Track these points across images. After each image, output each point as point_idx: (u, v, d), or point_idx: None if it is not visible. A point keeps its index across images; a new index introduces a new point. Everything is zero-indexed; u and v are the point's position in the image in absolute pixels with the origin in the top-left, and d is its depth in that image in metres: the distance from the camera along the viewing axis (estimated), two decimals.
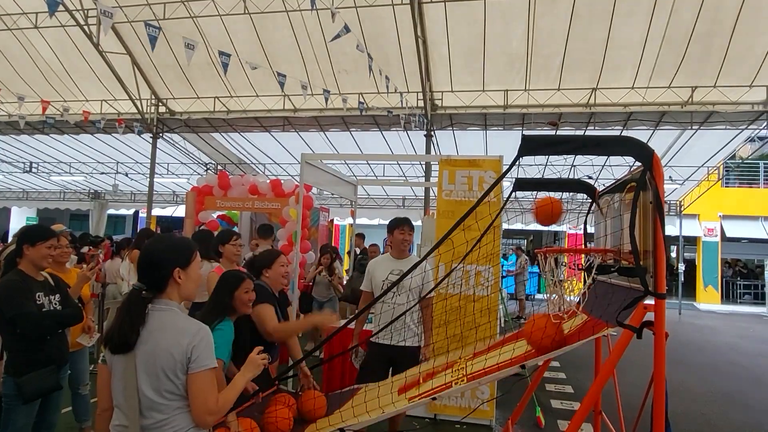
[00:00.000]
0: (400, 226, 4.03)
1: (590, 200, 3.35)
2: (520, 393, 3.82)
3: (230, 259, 4.27)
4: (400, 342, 3.86)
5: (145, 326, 1.86)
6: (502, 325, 7.97)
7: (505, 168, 5.13)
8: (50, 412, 3.29)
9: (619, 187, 2.91)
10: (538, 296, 15.95)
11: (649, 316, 2.27)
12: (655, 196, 2.19)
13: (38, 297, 3.12)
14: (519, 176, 2.93)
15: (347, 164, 14.45)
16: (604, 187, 3.21)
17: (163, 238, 2.09)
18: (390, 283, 3.98)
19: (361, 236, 10.47)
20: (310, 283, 8.19)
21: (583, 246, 3.50)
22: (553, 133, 10.75)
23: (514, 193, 2.90)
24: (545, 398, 6.01)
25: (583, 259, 3.08)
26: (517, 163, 2.37)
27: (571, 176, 12.44)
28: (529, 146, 2.31)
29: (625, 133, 10.53)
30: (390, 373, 3.94)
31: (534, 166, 12.09)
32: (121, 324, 1.86)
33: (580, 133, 10.75)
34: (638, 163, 2.36)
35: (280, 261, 3.30)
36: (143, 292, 1.89)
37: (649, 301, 2.18)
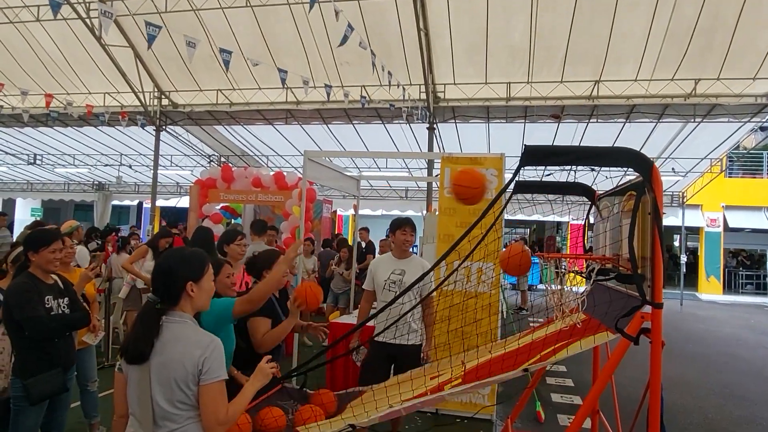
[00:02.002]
0: (402, 226, 4.08)
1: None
2: (521, 388, 3.90)
3: (235, 258, 4.33)
4: (401, 340, 3.92)
5: (159, 338, 1.92)
6: (504, 316, 8.07)
7: (506, 165, 5.20)
8: (59, 412, 3.37)
9: (619, 191, 2.95)
10: (540, 286, 16.03)
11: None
12: (654, 207, 2.22)
13: (47, 300, 3.18)
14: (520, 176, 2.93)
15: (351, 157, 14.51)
16: (604, 191, 3.25)
17: (176, 252, 2.16)
18: (392, 283, 4.06)
19: (366, 230, 10.57)
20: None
21: (583, 247, 3.54)
22: (555, 125, 10.77)
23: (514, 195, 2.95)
24: (546, 392, 6.10)
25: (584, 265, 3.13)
26: (518, 174, 2.40)
27: (573, 167, 12.45)
28: (532, 157, 2.34)
29: (627, 125, 10.54)
30: (392, 370, 4.02)
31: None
32: (136, 335, 1.92)
33: (582, 125, 10.78)
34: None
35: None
36: (157, 304, 1.96)
37: (647, 310, 2.23)
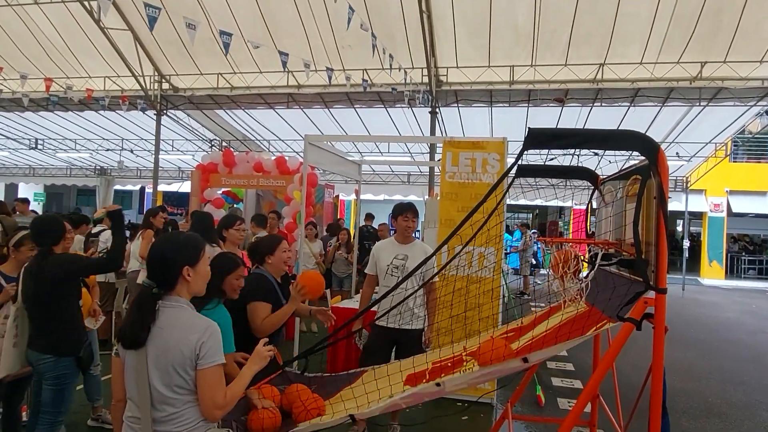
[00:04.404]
0: (404, 213, 4.06)
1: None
2: (522, 372, 3.89)
3: (234, 243, 4.33)
4: (404, 325, 3.94)
5: (156, 323, 1.91)
6: (506, 301, 8.07)
7: (508, 149, 5.16)
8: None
9: (622, 175, 2.91)
10: (542, 271, 16.03)
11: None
12: (659, 191, 2.19)
13: None
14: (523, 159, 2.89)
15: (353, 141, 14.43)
16: (607, 175, 3.21)
17: (171, 236, 2.14)
18: (394, 268, 4.06)
19: (371, 216, 10.61)
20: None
21: (585, 232, 3.52)
22: (559, 109, 10.67)
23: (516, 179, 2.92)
24: (546, 376, 6.12)
25: (587, 249, 3.11)
26: (521, 157, 2.36)
27: (577, 152, 12.36)
28: (536, 140, 2.30)
29: (632, 109, 10.43)
30: (393, 354, 4.04)
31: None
32: (132, 320, 1.92)
33: (586, 109, 10.67)
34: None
35: (283, 247, 3.31)
36: (153, 289, 1.95)
37: (650, 295, 2.20)
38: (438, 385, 2.53)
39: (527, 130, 2.28)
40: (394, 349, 4.09)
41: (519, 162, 2.44)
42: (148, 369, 1.88)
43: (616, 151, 2.50)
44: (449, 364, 2.72)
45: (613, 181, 3.08)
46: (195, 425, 1.93)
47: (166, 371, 1.87)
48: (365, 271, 4.36)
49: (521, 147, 2.32)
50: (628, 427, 2.93)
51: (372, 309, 4.19)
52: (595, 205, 3.37)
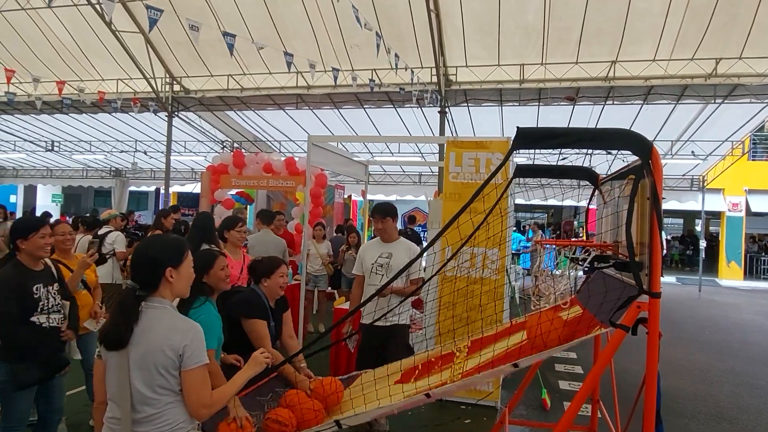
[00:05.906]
0: (373, 215, 4.10)
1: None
2: (523, 374, 3.83)
3: (235, 245, 4.34)
4: (391, 321, 3.95)
5: (139, 324, 1.91)
6: (517, 302, 7.96)
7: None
8: (55, 397, 3.29)
9: (619, 175, 2.85)
10: (556, 272, 15.83)
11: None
12: (653, 192, 2.12)
13: (36, 289, 3.08)
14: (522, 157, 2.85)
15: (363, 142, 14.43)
16: (606, 175, 3.15)
17: (155, 238, 2.16)
18: (378, 266, 4.08)
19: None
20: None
21: (585, 233, 3.45)
22: (570, 108, 10.54)
23: (514, 181, 2.87)
24: (554, 379, 6.03)
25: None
26: (511, 156, 2.32)
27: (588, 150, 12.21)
28: (525, 139, 2.25)
29: (645, 107, 10.25)
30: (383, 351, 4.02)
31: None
32: (116, 322, 1.92)
33: (598, 107, 10.52)
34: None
35: (281, 271, 3.26)
36: (137, 291, 1.95)
37: (644, 299, 2.15)
38: (428, 396, 2.49)
39: (516, 130, 2.24)
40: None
41: (509, 162, 2.40)
42: (129, 369, 1.88)
43: (611, 151, 2.44)
44: (438, 365, 2.67)
45: (612, 181, 3.02)
46: (175, 426, 1.93)
47: (149, 372, 1.88)
48: (353, 272, 4.37)
49: (510, 147, 2.28)
50: None
51: (360, 310, 4.18)
52: (594, 206, 3.31)
